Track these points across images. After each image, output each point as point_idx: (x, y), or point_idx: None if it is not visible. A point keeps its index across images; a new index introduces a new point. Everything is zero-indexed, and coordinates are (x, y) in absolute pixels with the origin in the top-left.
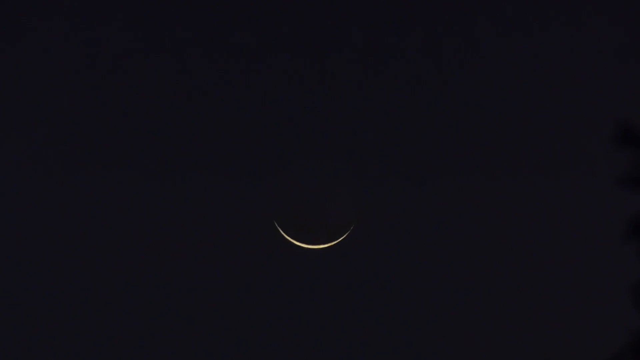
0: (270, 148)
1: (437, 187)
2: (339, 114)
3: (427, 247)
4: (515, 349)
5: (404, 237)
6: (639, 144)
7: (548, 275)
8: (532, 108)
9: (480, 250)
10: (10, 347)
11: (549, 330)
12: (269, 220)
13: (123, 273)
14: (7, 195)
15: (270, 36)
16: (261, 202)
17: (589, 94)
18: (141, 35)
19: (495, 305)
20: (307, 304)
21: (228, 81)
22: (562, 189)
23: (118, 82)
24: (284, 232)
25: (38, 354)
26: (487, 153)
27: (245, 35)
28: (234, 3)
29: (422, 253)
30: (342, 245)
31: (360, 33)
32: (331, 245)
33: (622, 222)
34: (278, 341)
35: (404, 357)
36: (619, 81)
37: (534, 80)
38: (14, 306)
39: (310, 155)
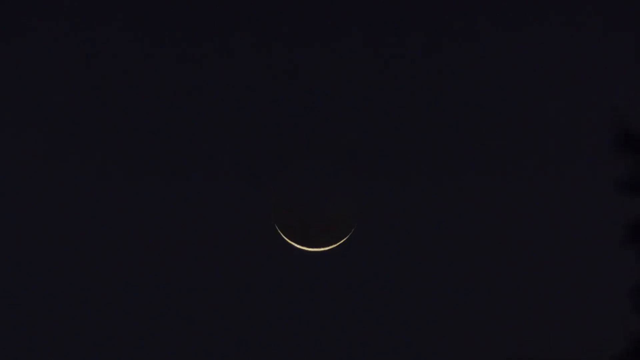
0: (269, 149)
1: (437, 187)
2: (339, 114)
3: (427, 247)
4: (515, 349)
5: (404, 237)
6: (638, 148)
7: (548, 276)
8: (532, 108)
9: (480, 250)
10: (10, 347)
11: (548, 331)
12: (269, 222)
13: (123, 273)
14: (7, 195)
15: (270, 36)
16: (261, 203)
17: (589, 94)
18: (141, 35)
19: (495, 305)
20: (307, 304)
21: (228, 81)
22: (563, 189)
23: (118, 82)
24: (285, 234)
25: (38, 354)
26: (487, 153)
27: (245, 35)
28: (233, 3)
29: (422, 253)
30: (341, 246)
31: (361, 33)
32: (332, 249)
33: (622, 223)
34: (278, 343)
35: (404, 357)
36: (620, 81)
37: (534, 80)
38: (14, 306)
39: (310, 156)
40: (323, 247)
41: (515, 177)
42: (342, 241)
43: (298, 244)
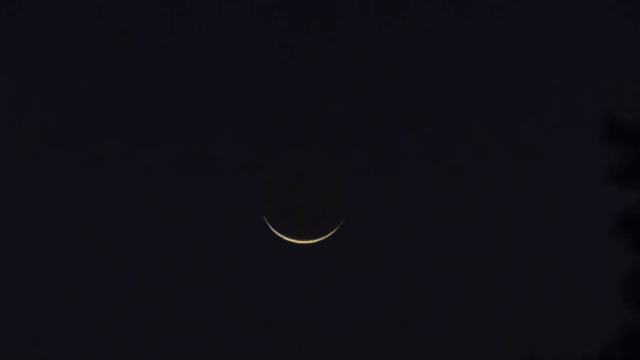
0: (261, 143)
1: (436, 187)
2: (336, 112)
3: (427, 247)
4: (514, 348)
5: (403, 237)
6: (627, 138)
7: (548, 276)
8: (532, 106)
9: (481, 250)
10: (10, 347)
11: (547, 331)
12: (258, 216)
13: (122, 272)
14: (7, 195)
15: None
16: (251, 197)
17: (589, 93)
18: (139, 36)
19: (495, 305)
20: (307, 303)
21: (222, 76)
22: (563, 189)
23: (117, 81)
24: (275, 228)
25: (38, 353)
26: (487, 152)
27: (244, 37)
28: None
29: (422, 253)
30: (339, 245)
31: (355, 27)
32: (322, 240)
33: (612, 213)
34: (275, 341)
35: (403, 357)
36: (617, 81)
37: (533, 79)
38: (14, 306)
39: (302, 153)
40: (313, 239)
41: (515, 176)
42: (331, 233)
43: (288, 236)
